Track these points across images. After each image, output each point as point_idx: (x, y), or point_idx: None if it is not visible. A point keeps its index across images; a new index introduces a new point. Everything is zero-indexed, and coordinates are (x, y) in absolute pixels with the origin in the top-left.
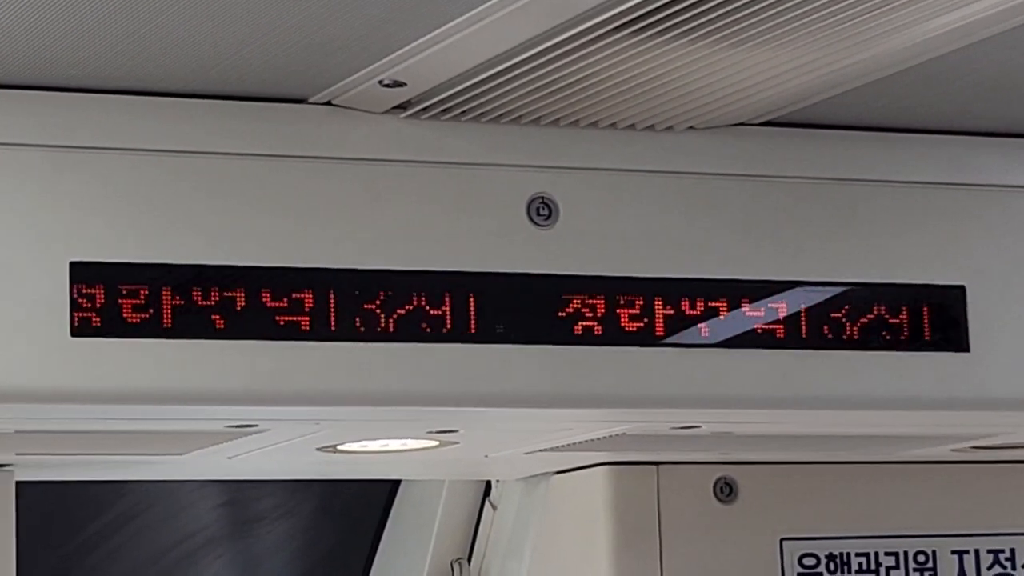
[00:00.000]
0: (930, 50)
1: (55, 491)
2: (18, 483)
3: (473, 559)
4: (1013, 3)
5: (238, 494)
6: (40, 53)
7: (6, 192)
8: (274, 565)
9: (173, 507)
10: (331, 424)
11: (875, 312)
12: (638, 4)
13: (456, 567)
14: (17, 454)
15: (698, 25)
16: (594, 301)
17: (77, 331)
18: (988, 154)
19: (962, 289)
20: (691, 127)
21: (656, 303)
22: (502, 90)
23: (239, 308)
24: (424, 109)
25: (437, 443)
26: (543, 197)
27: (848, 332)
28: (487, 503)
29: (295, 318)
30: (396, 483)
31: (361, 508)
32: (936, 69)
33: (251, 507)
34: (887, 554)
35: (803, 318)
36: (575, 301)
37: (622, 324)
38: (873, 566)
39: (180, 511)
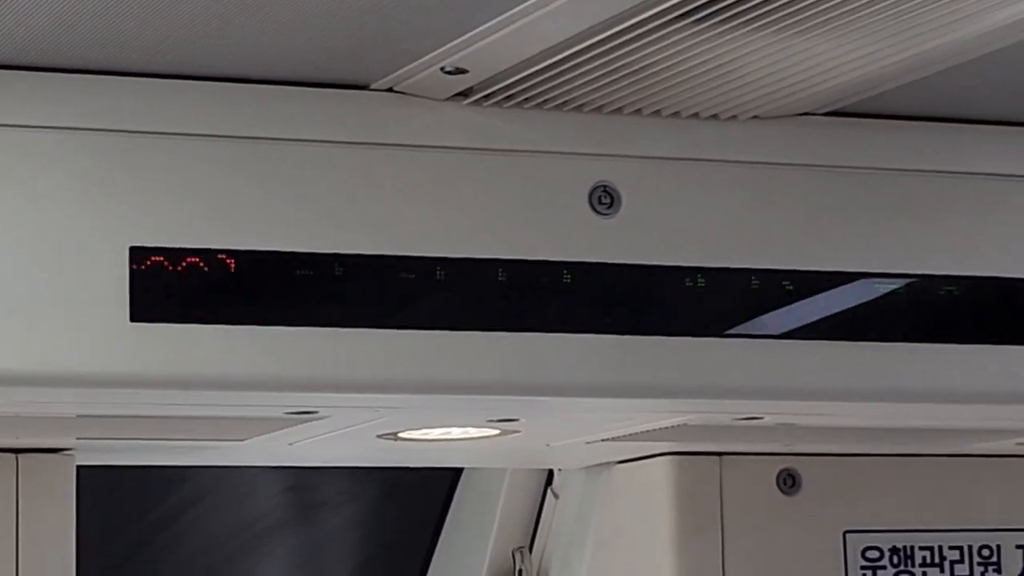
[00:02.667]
0: (996, 40)
1: (119, 476)
2: (81, 467)
3: (535, 548)
4: None
5: (300, 480)
6: (107, 36)
7: (68, 176)
8: (336, 552)
9: (235, 493)
10: (391, 412)
11: (941, 304)
12: None
13: (518, 556)
14: (77, 439)
15: (762, 14)
16: (656, 291)
17: (136, 316)
18: None
19: None
20: (755, 116)
21: (718, 293)
22: (564, 78)
23: (298, 294)
24: (486, 96)
25: (498, 432)
26: (605, 186)
27: (914, 325)
28: (549, 492)
29: (354, 305)
30: (458, 471)
31: (423, 496)
32: (1002, 60)
33: (313, 493)
34: (951, 548)
35: (868, 310)
36: (636, 290)
37: (682, 314)
38: (937, 560)
39: (242, 497)
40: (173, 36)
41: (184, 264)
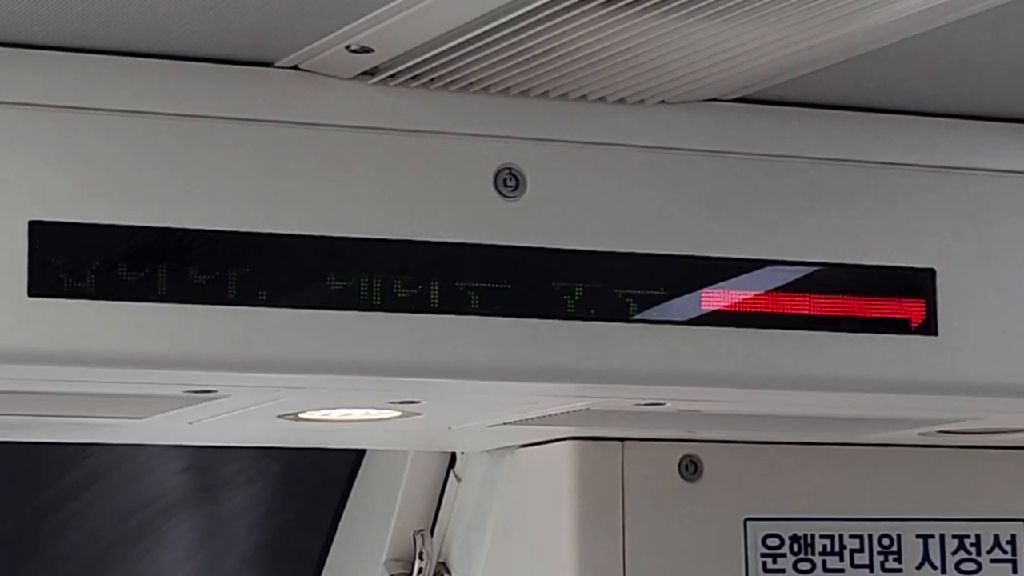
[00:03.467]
0: (904, 30)
1: (15, 453)
2: None
3: (436, 531)
4: None
5: (202, 459)
6: (3, 6)
7: None
8: (236, 531)
9: (136, 471)
10: (291, 392)
11: (843, 293)
12: None
13: (419, 538)
14: None
15: None
16: (559, 274)
17: (34, 291)
18: (961, 136)
19: (932, 272)
20: (662, 101)
21: (622, 278)
22: (471, 59)
23: (198, 272)
24: (392, 76)
25: (400, 414)
26: (511, 168)
27: (816, 313)
28: (451, 475)
29: (254, 283)
30: (361, 452)
31: (325, 476)
32: (910, 49)
33: (215, 472)
34: (852, 536)
35: (771, 297)
36: (539, 274)
37: (586, 298)
38: (837, 548)
39: (143, 475)
40: (76, 8)
41: (83, 239)
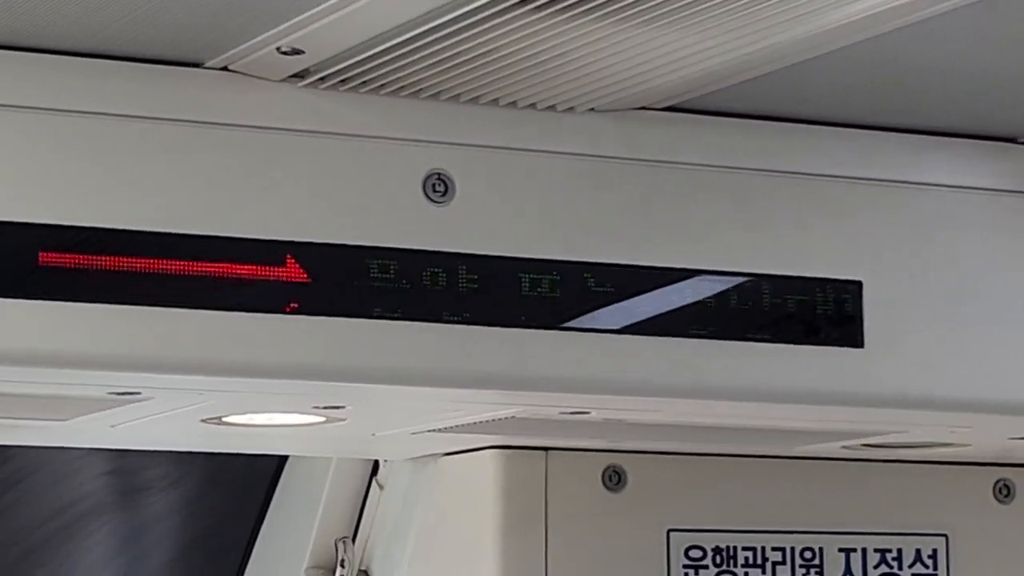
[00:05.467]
0: (833, 41)
1: None
2: None
3: (358, 538)
4: None
5: (124, 463)
6: None
7: None
8: (158, 535)
9: (57, 474)
10: (215, 395)
11: (769, 304)
12: None
13: (340, 546)
14: None
15: (601, 3)
16: (487, 281)
17: None
18: (889, 149)
19: (859, 284)
20: (592, 109)
21: (549, 285)
22: (401, 63)
23: (122, 272)
24: (322, 79)
25: (324, 419)
26: (439, 173)
27: (742, 323)
28: (374, 483)
29: (179, 285)
30: (284, 458)
31: (248, 482)
32: (839, 60)
33: (137, 477)
34: (774, 549)
35: (697, 307)
36: (467, 279)
37: (513, 305)
38: (760, 561)
39: (65, 478)
40: (2, 4)
41: (5, 237)
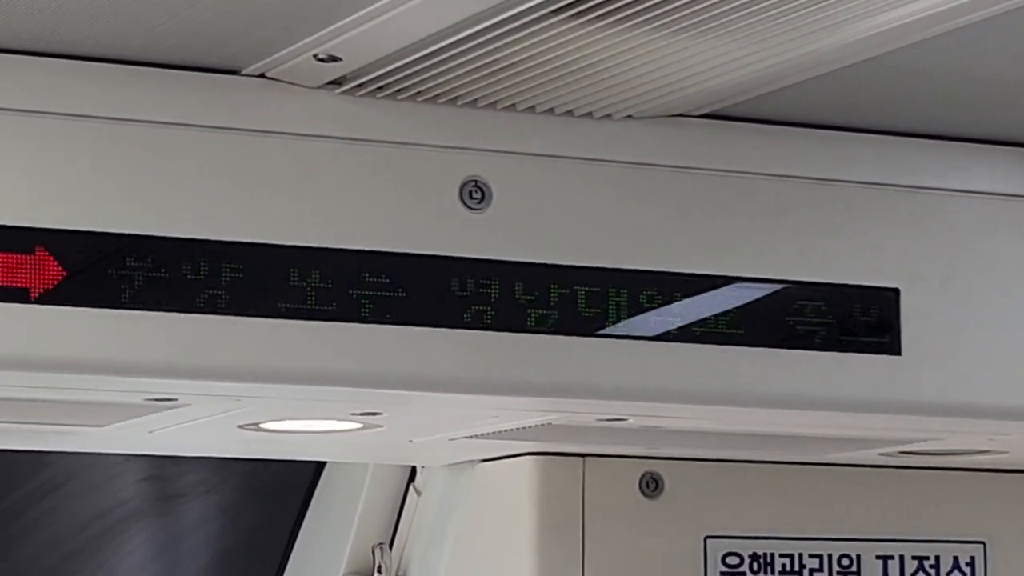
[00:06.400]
0: (872, 48)
1: None
2: None
3: (395, 545)
4: (956, 3)
5: (161, 469)
6: None
7: None
8: (195, 542)
9: (95, 480)
10: (252, 401)
11: (807, 311)
12: None
13: (377, 552)
14: None
15: (639, 11)
16: (524, 288)
17: None
18: (927, 157)
19: (896, 292)
20: (629, 116)
21: (587, 293)
22: (438, 70)
23: (161, 279)
24: (359, 86)
25: (361, 426)
26: (476, 180)
27: (779, 330)
28: (411, 489)
29: (218, 292)
30: (321, 465)
31: (285, 488)
32: (877, 68)
33: (174, 483)
34: (811, 556)
35: (734, 314)
36: (502, 287)
37: (549, 312)
38: (797, 568)
39: (102, 484)
40: (42, 12)
41: (45, 245)
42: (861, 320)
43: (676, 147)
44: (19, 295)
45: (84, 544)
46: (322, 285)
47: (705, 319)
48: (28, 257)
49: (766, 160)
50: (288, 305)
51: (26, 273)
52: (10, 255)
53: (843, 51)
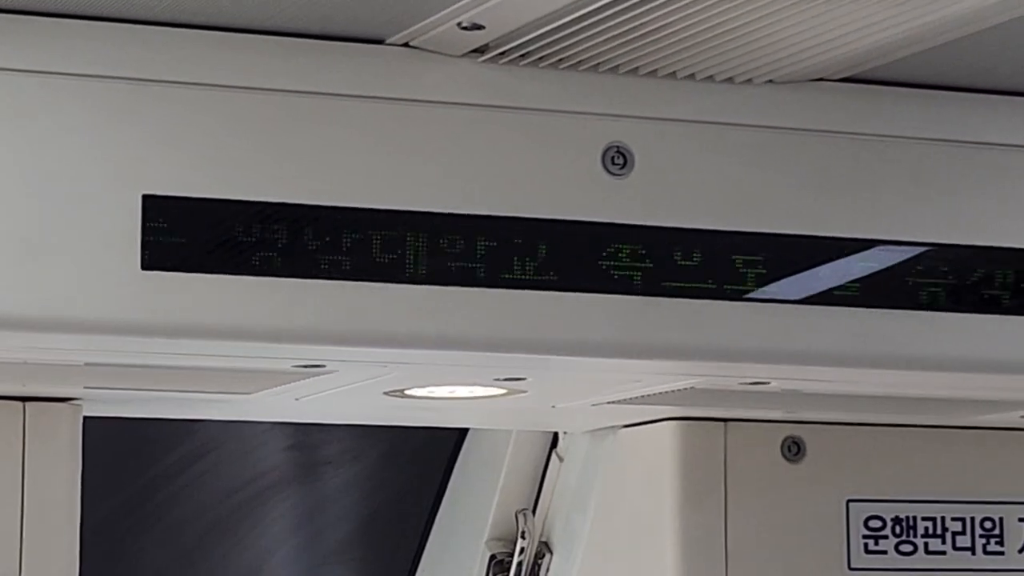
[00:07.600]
0: (1015, 8)
1: (125, 428)
2: (88, 419)
3: (538, 510)
4: None
5: (305, 438)
6: None
7: (82, 122)
8: (339, 509)
9: (242, 448)
10: (398, 367)
11: (950, 273)
12: None
13: (521, 518)
14: (85, 387)
15: None
16: (667, 253)
17: (147, 264)
18: None
19: None
20: (770, 80)
21: (730, 257)
22: (580, 36)
23: (310, 247)
24: (502, 53)
25: (505, 391)
26: (619, 146)
27: (921, 293)
28: (554, 455)
29: (365, 258)
30: (464, 432)
31: (428, 455)
32: (1019, 29)
33: (318, 451)
34: (954, 519)
35: (879, 277)
36: (646, 251)
37: (692, 277)
38: (939, 531)
39: (248, 453)
40: None
41: (196, 213)
42: (1004, 281)
43: (816, 111)
44: None
45: (232, 510)
46: (468, 251)
47: (848, 282)
48: None
49: (908, 123)
50: (435, 271)
51: None
52: None
53: (984, 12)
